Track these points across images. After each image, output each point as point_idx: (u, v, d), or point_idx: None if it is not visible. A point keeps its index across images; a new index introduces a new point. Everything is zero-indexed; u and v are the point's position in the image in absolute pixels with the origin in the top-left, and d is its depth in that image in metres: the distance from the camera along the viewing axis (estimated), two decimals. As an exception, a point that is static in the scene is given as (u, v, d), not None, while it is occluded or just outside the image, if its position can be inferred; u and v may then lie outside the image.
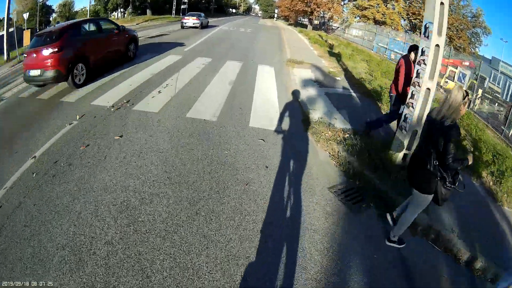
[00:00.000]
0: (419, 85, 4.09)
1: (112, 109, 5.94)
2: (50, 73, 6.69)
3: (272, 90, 7.83)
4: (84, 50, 7.47)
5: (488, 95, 13.43)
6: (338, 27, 39.21)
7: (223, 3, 71.50)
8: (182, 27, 22.99)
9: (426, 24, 4.04)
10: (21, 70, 7.88)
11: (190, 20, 23.04)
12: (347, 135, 5.37)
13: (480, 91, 13.76)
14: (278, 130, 5.54)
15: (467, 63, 16.06)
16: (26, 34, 18.47)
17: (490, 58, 16.21)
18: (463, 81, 14.95)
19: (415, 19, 30.84)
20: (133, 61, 9.85)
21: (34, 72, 6.73)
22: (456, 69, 15.63)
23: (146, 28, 23.61)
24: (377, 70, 12.83)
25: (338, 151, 4.87)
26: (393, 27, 29.58)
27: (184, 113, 5.99)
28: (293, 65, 10.99)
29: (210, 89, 7.52)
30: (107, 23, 9.21)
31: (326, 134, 5.40)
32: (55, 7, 45.99)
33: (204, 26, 24.30)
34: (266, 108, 6.59)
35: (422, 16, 24.47)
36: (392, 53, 21.35)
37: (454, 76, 15.64)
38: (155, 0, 40.15)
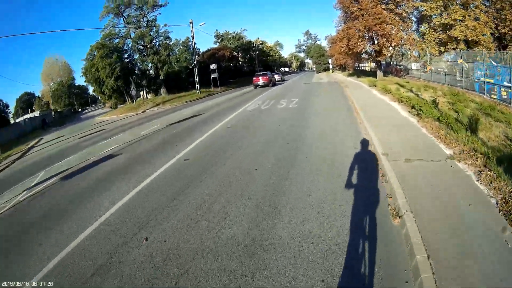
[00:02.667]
0: None
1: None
2: (266, 82, 29.69)
3: None
4: (270, 78, 30.78)
5: None
6: (404, 65, 28.84)
7: (270, 62, 67.41)
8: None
9: None
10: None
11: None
12: None
13: None
14: None
15: None
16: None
17: None
18: None
19: (504, 27, 21.18)
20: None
21: (261, 83, 29.75)
22: None
23: (139, 122, 17.44)
24: None
25: None
26: (484, 46, 21.01)
27: None
28: None
29: None
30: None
31: None
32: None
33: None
34: None
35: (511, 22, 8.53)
36: (502, 89, 12.35)
37: None
38: (174, 74, 35.64)
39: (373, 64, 55.78)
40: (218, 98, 25.28)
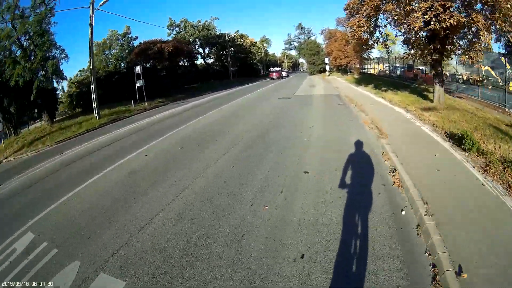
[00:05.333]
0: None
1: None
2: (278, 76, 41.51)
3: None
4: (281, 74, 43.71)
5: None
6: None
7: (251, 61, 52.99)
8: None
9: None
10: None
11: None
12: None
13: None
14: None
15: None
16: None
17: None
18: None
19: None
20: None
21: (274, 76, 41.22)
22: None
23: None
24: None
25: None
26: None
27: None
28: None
29: None
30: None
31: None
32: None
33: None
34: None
35: None
36: None
37: None
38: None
39: (382, 67, 42.61)
40: (101, 137, 11.43)
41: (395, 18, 9.29)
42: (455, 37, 9.77)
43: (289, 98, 16.30)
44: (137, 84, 21.20)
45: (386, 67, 40.74)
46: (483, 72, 17.37)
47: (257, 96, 19.70)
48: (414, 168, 4.90)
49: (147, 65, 26.85)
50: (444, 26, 7.94)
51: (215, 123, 10.51)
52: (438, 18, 7.79)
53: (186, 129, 9.95)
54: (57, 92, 24.52)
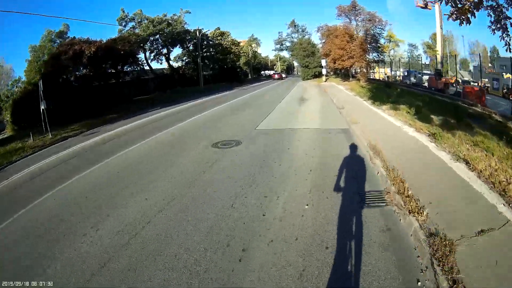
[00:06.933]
0: None
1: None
2: (279, 78, 50.64)
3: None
4: (281, 75, 52.95)
5: None
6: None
7: (232, 64, 43.85)
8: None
9: None
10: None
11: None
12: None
13: None
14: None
15: None
16: None
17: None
18: None
19: None
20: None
21: (276, 77, 50.11)
22: None
23: None
24: None
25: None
26: None
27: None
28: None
29: None
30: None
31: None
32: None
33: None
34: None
35: None
36: None
37: None
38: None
39: (387, 71, 35.03)
40: None
41: None
42: None
43: (238, 144, 7.68)
44: (41, 107, 12.73)
45: (391, 71, 33.51)
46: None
47: (199, 123, 11.18)
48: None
49: (66, 76, 18.67)
50: None
51: None
52: None
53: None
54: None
